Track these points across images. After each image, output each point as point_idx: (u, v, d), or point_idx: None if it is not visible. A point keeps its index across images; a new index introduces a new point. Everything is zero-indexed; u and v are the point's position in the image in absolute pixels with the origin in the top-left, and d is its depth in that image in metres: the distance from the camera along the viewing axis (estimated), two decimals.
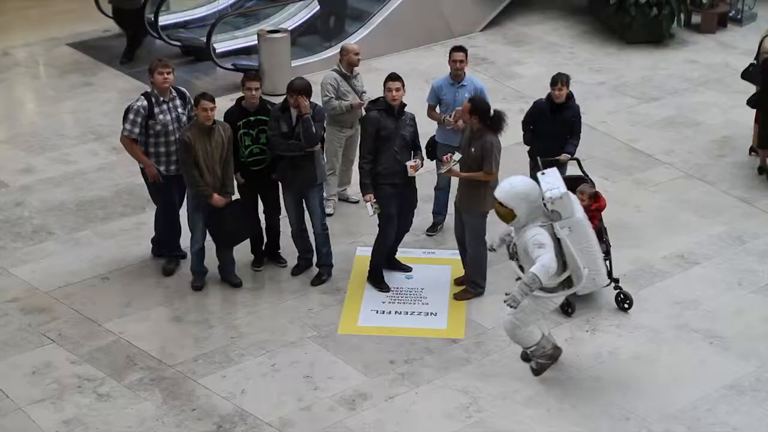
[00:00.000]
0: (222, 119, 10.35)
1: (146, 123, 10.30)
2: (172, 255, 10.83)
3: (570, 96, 11.03)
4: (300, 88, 10.19)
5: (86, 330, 9.98)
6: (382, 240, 10.53)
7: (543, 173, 9.16)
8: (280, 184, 10.58)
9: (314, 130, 10.17)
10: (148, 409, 9.04)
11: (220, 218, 10.24)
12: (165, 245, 10.84)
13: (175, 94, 10.44)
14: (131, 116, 10.31)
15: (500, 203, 8.91)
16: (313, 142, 10.22)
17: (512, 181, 8.99)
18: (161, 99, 10.33)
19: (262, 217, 10.82)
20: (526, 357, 9.57)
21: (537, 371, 9.35)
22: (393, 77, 10.25)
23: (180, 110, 10.39)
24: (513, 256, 9.16)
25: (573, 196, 9.05)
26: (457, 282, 10.62)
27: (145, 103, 10.30)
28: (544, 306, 9.10)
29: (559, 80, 10.90)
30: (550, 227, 8.84)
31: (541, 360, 9.29)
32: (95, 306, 10.31)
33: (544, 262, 8.67)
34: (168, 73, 10.31)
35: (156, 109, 10.29)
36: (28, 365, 9.51)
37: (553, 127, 10.98)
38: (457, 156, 10.13)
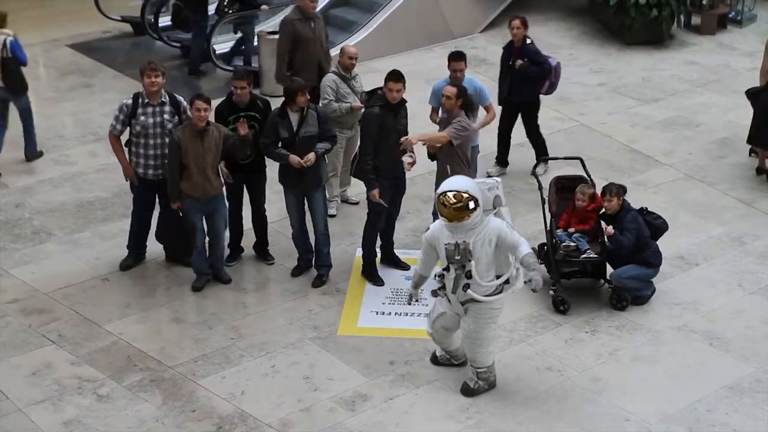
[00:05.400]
0: (213, 113, 10.47)
1: (129, 122, 10.37)
2: (133, 251, 10.90)
3: (624, 206, 10.26)
4: (303, 86, 10.25)
5: (86, 331, 9.98)
6: (370, 229, 10.61)
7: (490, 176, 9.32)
8: (282, 185, 10.58)
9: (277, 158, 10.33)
10: (148, 410, 9.04)
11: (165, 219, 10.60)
12: (130, 241, 10.89)
13: (166, 100, 10.41)
14: (116, 112, 10.49)
15: (462, 196, 8.60)
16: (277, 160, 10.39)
17: (458, 179, 8.96)
18: (147, 101, 10.35)
19: (245, 215, 10.90)
20: (435, 360, 9.55)
21: (471, 392, 9.19)
22: (395, 78, 10.26)
23: (167, 117, 10.37)
24: (466, 256, 8.73)
25: None
26: None
27: (130, 102, 10.40)
28: (489, 316, 8.92)
29: (608, 191, 10.30)
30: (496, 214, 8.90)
31: (482, 382, 9.20)
32: (95, 307, 10.31)
33: (518, 239, 8.75)
34: (156, 76, 10.30)
35: (139, 110, 10.34)
36: (28, 366, 9.51)
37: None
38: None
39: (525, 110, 12.46)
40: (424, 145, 10.41)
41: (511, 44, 12.44)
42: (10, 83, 12.66)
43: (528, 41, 12.36)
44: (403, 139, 10.24)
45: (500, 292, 8.85)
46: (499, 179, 9.24)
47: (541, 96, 12.61)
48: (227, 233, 10.84)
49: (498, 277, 8.83)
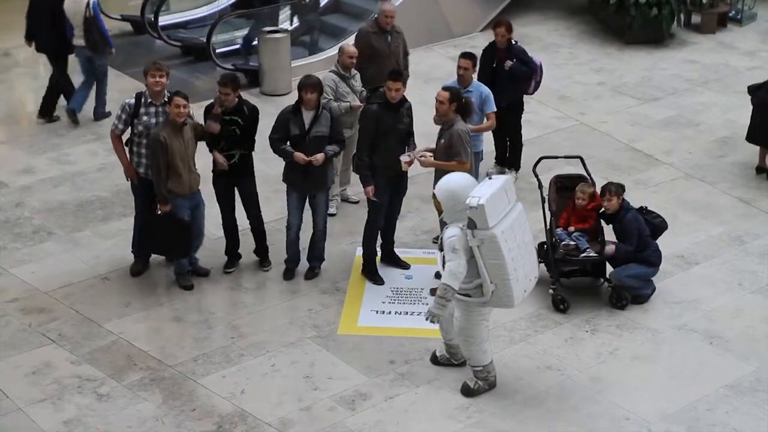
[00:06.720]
0: (203, 113, 10.48)
1: (132, 122, 10.35)
2: (140, 255, 10.80)
3: (623, 206, 10.31)
4: (315, 83, 10.23)
5: (86, 330, 9.98)
6: (369, 229, 10.61)
7: (490, 178, 8.99)
8: (286, 183, 10.57)
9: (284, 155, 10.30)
10: (148, 409, 9.04)
11: (154, 224, 10.34)
12: (134, 246, 10.81)
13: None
14: (118, 112, 10.47)
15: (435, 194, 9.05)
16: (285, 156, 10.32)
17: (450, 177, 9.00)
18: (150, 101, 10.34)
19: (239, 218, 10.85)
20: (435, 360, 9.55)
21: (471, 392, 9.19)
22: (394, 77, 10.24)
23: None
24: (441, 247, 8.96)
25: (498, 209, 8.66)
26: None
27: (133, 101, 10.38)
28: (478, 314, 8.93)
29: (607, 191, 10.31)
30: (465, 233, 8.68)
31: (481, 382, 9.20)
32: (95, 306, 10.31)
33: (451, 268, 8.61)
34: (160, 77, 10.28)
35: (142, 110, 10.32)
36: (28, 365, 9.51)
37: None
38: (416, 152, 10.26)
39: (512, 110, 12.23)
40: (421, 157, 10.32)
41: (494, 46, 12.28)
42: (91, 42, 13.48)
43: (514, 42, 12.29)
44: (408, 156, 10.13)
45: (468, 296, 8.80)
46: (483, 203, 8.51)
47: (525, 96, 12.56)
48: (223, 237, 10.83)
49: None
